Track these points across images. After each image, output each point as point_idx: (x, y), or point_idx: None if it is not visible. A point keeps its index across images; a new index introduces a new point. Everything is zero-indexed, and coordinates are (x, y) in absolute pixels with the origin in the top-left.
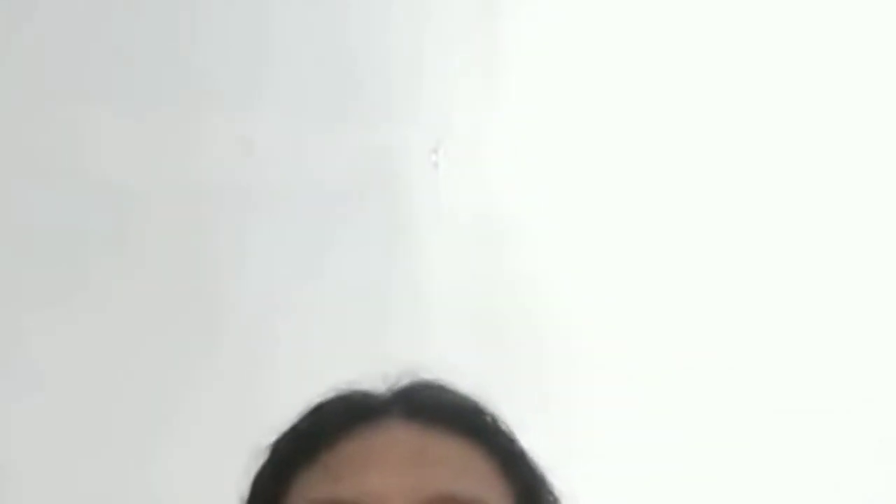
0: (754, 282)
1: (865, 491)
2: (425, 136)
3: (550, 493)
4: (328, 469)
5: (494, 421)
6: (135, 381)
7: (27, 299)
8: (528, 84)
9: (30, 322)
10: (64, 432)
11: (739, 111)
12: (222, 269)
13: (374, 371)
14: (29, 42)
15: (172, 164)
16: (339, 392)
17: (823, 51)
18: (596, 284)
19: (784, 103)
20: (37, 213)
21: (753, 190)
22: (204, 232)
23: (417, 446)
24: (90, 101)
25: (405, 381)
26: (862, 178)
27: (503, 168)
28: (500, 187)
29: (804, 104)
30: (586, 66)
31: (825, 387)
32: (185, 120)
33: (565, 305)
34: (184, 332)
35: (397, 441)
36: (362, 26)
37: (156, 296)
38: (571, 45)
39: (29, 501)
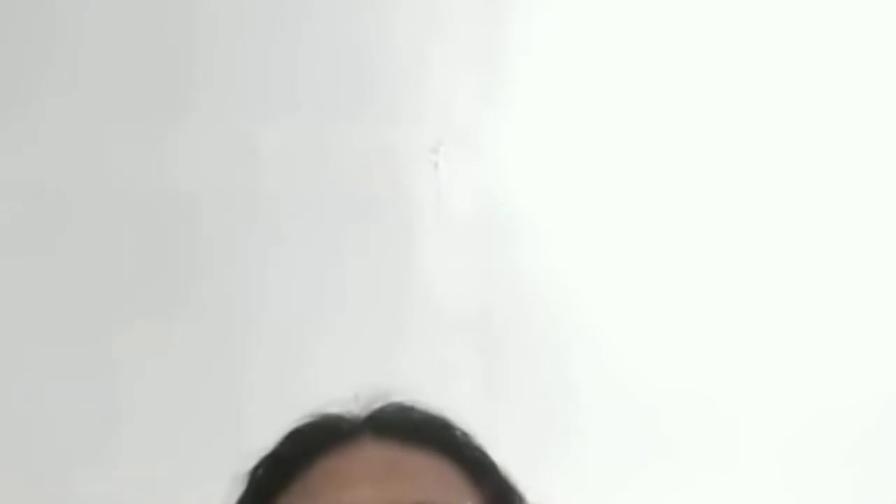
0: (758, 281)
1: None
2: (425, 136)
3: (522, 502)
4: (306, 487)
5: (465, 435)
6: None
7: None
8: (528, 84)
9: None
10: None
11: (740, 106)
12: (219, 268)
13: (374, 367)
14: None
15: (171, 164)
16: (312, 416)
17: (826, 51)
18: (598, 284)
19: (787, 102)
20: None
21: (754, 192)
22: (202, 233)
23: (390, 462)
24: (93, 103)
25: (376, 404)
26: (862, 174)
27: (503, 168)
28: (501, 187)
29: (809, 103)
30: (588, 66)
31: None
32: (184, 121)
33: (566, 305)
34: (184, 327)
35: (371, 457)
36: (363, 26)
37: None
38: (572, 45)
39: None
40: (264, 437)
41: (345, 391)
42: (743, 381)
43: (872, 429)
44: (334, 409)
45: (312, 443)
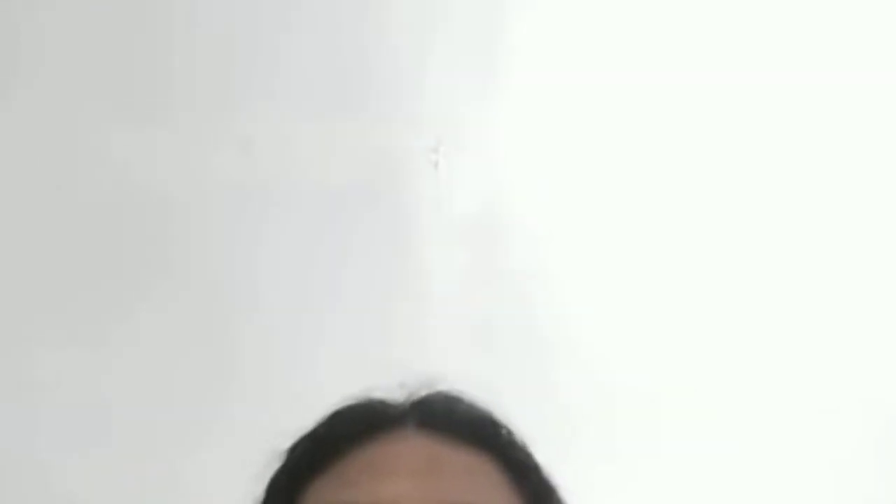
0: (759, 284)
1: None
2: (425, 136)
3: None
4: (344, 475)
5: (509, 434)
6: (141, 383)
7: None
8: (529, 84)
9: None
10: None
11: (743, 110)
12: (214, 268)
13: (373, 370)
14: (28, 44)
15: (169, 164)
16: (355, 400)
17: (827, 53)
18: (599, 285)
19: (788, 100)
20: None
21: (757, 193)
22: (197, 232)
23: (432, 456)
24: (87, 103)
25: (422, 392)
26: (860, 175)
27: (504, 168)
28: (501, 187)
29: (809, 107)
30: (589, 66)
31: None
32: (183, 120)
33: (567, 306)
34: (180, 326)
35: (412, 450)
36: (362, 25)
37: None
38: (574, 45)
39: None
40: (258, 438)
41: (343, 391)
42: (742, 384)
43: (866, 431)
44: (377, 393)
45: (354, 428)
